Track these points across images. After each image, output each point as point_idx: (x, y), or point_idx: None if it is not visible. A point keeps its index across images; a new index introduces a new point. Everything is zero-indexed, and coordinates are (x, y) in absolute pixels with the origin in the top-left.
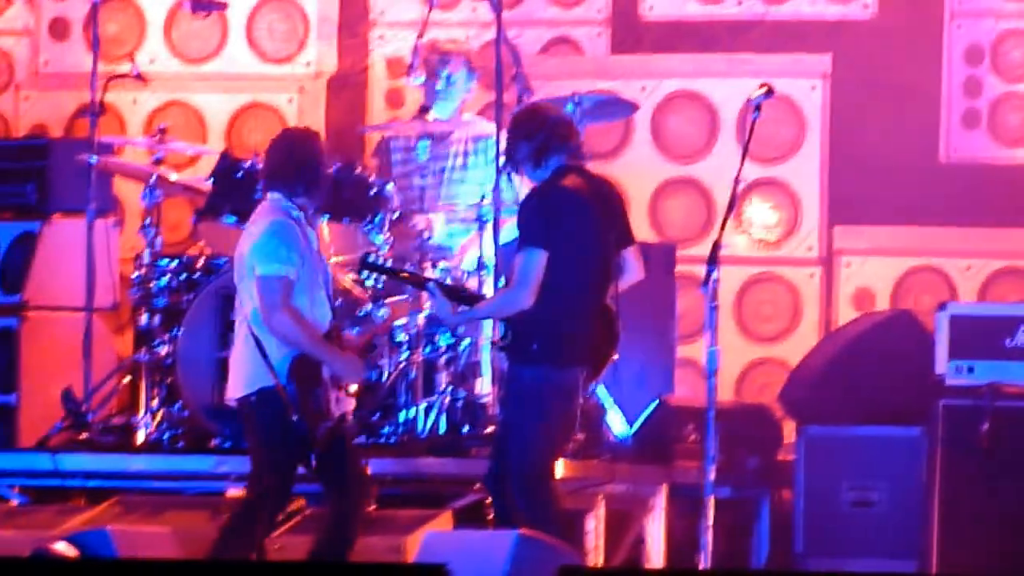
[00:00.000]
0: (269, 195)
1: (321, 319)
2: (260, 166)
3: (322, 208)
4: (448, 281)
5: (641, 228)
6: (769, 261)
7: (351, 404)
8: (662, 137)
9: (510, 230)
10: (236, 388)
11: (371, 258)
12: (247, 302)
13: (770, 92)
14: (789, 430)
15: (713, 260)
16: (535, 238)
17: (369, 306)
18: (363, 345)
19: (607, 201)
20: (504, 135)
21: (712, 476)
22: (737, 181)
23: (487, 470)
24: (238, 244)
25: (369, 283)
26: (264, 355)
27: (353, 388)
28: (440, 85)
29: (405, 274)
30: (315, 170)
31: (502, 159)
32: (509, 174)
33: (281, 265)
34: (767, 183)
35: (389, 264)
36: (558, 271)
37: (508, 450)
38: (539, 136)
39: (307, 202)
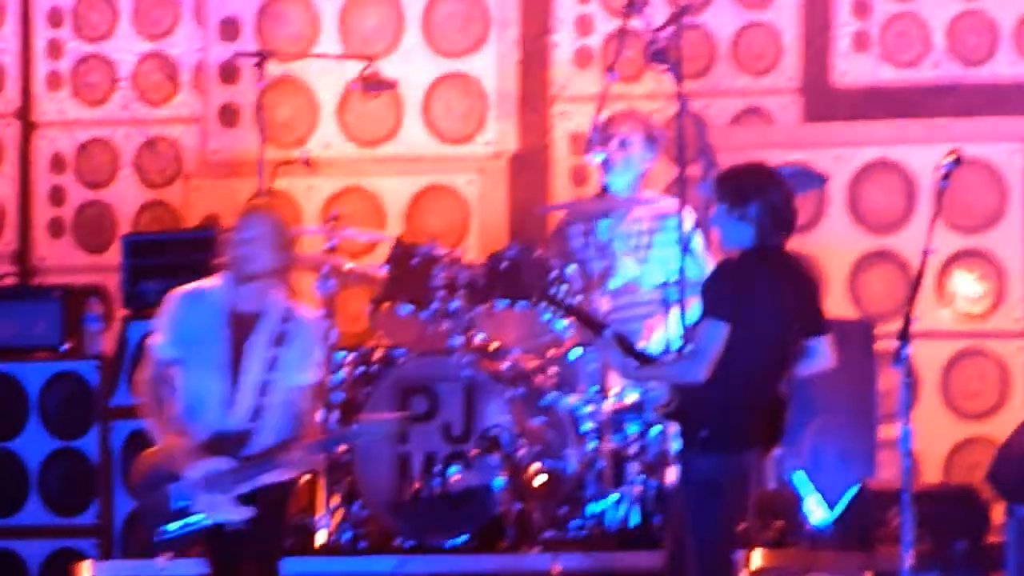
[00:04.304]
0: None
1: (212, 406)
2: (438, 251)
3: (502, 293)
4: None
5: (838, 303)
6: (975, 334)
7: (242, 512)
8: (858, 208)
9: (696, 311)
10: None
11: (554, 291)
12: None
13: (958, 160)
14: (999, 512)
15: (905, 336)
16: (719, 310)
17: (554, 394)
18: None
19: (800, 284)
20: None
21: (911, 561)
22: (927, 252)
23: (666, 557)
24: None
25: (547, 317)
26: None
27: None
28: (617, 159)
29: (584, 315)
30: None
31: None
32: (690, 249)
33: (157, 336)
34: (970, 253)
35: (569, 301)
36: (736, 349)
37: (686, 539)
38: (751, 204)
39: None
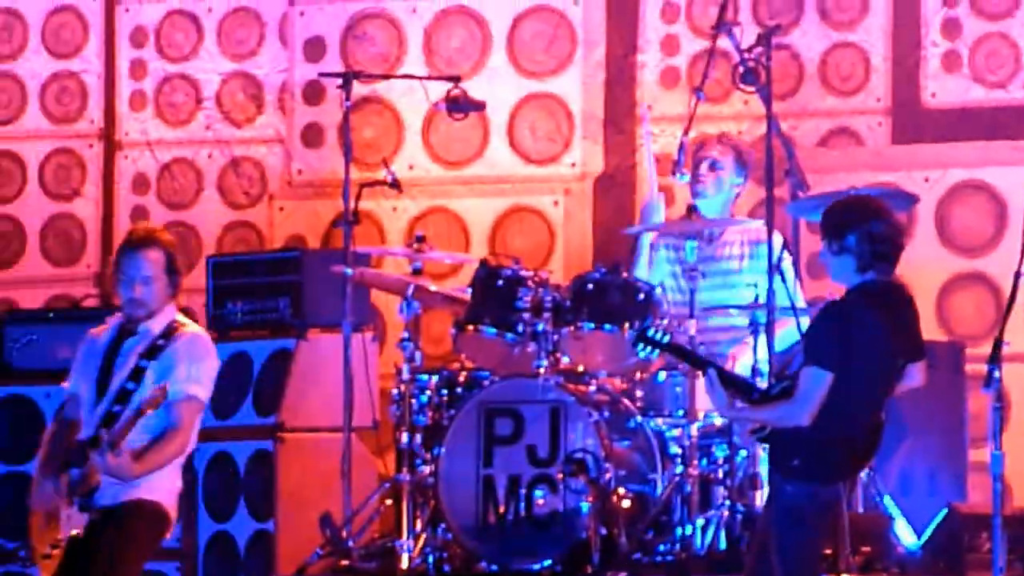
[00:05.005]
0: None
1: (84, 432)
2: (523, 273)
3: (587, 315)
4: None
5: (928, 326)
6: None
7: (78, 521)
8: (947, 230)
9: (784, 335)
10: None
11: (650, 332)
12: None
13: None
14: None
15: (996, 359)
16: (824, 360)
17: (641, 417)
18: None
19: (904, 316)
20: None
21: None
22: (1018, 275)
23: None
24: None
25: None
26: None
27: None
28: (708, 181)
29: (684, 352)
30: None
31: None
32: (783, 273)
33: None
34: None
35: (668, 339)
36: (839, 393)
37: (771, 562)
38: (849, 235)
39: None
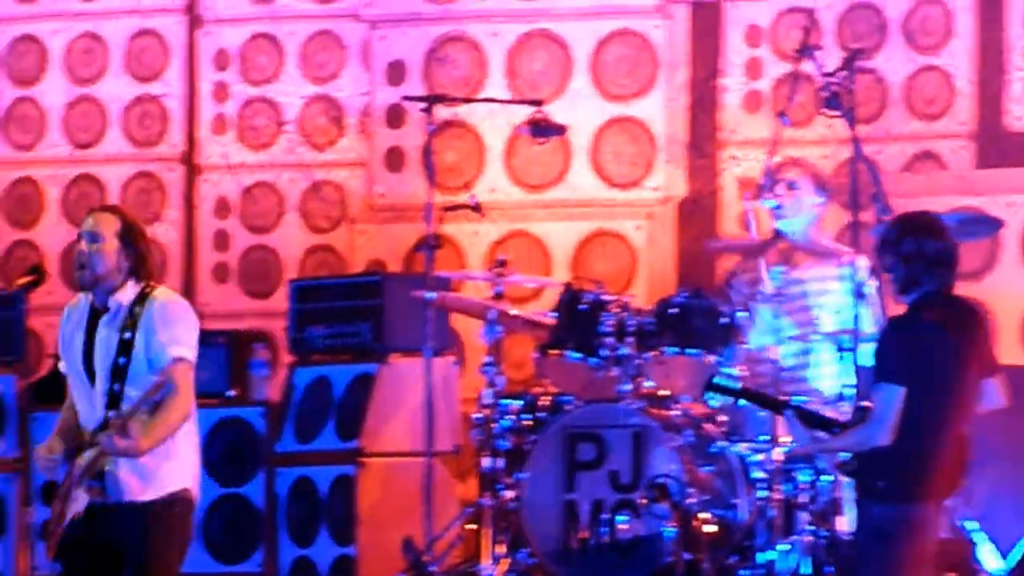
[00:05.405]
0: None
1: (84, 415)
2: (606, 297)
3: (671, 339)
4: (807, 401)
5: (1012, 350)
6: None
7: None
8: None
9: (869, 357)
10: None
11: (718, 379)
12: None
13: None
14: None
15: None
16: (892, 374)
17: (724, 442)
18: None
19: (970, 329)
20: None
21: None
22: None
23: None
24: None
25: (714, 403)
26: None
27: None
28: (787, 202)
29: (757, 396)
30: None
31: (877, 266)
32: (864, 296)
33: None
34: None
35: (739, 386)
36: (914, 406)
37: None
38: (902, 245)
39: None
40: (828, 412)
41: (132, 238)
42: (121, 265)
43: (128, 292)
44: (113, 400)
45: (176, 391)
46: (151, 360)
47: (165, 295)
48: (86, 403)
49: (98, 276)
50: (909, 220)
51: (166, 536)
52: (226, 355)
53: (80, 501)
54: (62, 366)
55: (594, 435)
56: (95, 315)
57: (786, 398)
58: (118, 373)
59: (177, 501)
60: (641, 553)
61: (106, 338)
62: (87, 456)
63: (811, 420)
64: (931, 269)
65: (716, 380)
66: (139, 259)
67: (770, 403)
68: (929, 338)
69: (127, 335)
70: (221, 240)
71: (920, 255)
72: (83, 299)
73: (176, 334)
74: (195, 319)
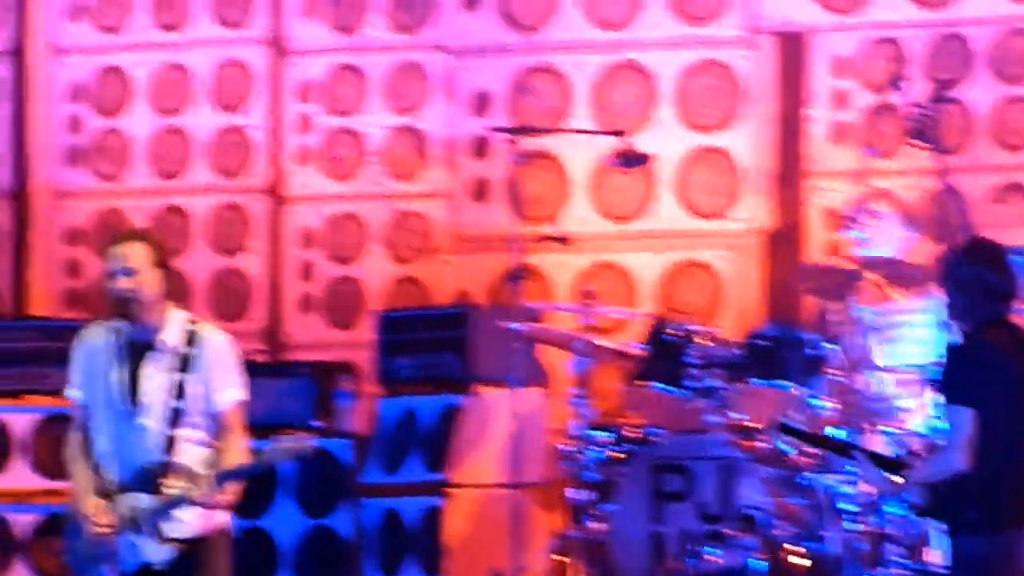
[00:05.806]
0: None
1: (116, 451)
2: (694, 328)
3: (757, 371)
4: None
5: None
6: None
7: (163, 552)
8: None
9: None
10: None
11: (790, 422)
12: None
13: None
14: None
15: None
16: (959, 396)
17: (812, 474)
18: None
19: None
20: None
21: None
22: None
23: None
24: None
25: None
26: None
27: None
28: (874, 234)
29: (825, 441)
30: None
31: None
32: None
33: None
34: None
35: (809, 430)
36: (987, 428)
37: None
38: (959, 270)
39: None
40: (915, 444)
41: (164, 262)
42: (161, 294)
43: (174, 327)
44: (170, 444)
45: (241, 435)
46: (208, 401)
47: (213, 333)
48: (125, 440)
49: (143, 312)
50: (971, 247)
51: (222, 566)
52: (311, 386)
53: (149, 550)
54: (76, 395)
55: (681, 467)
56: (135, 349)
57: (852, 441)
58: (174, 418)
59: (227, 535)
60: None
61: (156, 377)
62: (147, 502)
63: (882, 461)
64: (987, 298)
65: (788, 423)
66: (172, 282)
67: (837, 447)
68: (993, 361)
69: (183, 377)
70: (306, 271)
71: (978, 283)
72: (105, 329)
73: (232, 377)
74: (239, 352)
